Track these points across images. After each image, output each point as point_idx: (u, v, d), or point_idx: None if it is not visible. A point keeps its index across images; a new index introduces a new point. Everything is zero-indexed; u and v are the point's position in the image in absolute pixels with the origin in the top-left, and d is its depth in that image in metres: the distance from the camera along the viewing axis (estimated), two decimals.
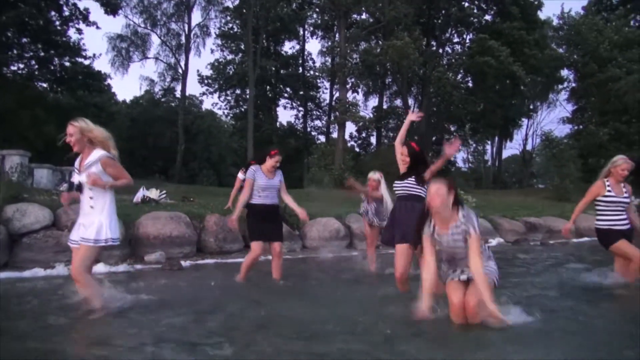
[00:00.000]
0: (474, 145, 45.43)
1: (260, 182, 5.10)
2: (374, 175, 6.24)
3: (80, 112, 26.70)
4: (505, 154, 46.12)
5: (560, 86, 31.04)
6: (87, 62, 22.20)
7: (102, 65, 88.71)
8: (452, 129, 33.42)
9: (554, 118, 59.56)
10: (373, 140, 33.47)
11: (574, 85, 29.32)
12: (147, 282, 5.33)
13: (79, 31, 21.48)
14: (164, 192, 11.07)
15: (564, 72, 29.64)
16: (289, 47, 34.28)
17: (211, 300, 4.47)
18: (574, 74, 27.24)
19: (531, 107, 36.23)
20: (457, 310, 3.38)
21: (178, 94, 36.36)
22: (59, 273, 5.64)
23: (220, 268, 6.70)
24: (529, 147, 42.35)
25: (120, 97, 41.36)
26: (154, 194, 10.53)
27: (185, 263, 6.65)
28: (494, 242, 10.54)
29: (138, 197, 9.89)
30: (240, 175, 7.51)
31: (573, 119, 28.70)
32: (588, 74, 24.12)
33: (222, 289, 5.03)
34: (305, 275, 6.31)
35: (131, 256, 6.87)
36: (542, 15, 28.57)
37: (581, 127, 27.57)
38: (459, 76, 28.31)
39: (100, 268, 6.05)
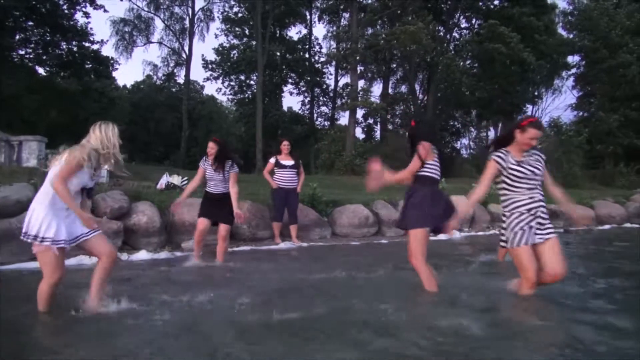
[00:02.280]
0: (475, 132, 45.44)
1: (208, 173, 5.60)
2: None
3: (84, 97, 26.53)
4: None
5: (567, 72, 30.84)
6: (95, 47, 21.86)
7: (106, 49, 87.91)
8: (457, 115, 33.34)
9: (559, 105, 59.74)
10: (377, 127, 33.32)
11: (580, 71, 29.16)
12: (203, 269, 5.30)
13: (86, 15, 21.16)
14: (186, 178, 11.01)
15: (571, 58, 29.48)
16: (295, 32, 33.94)
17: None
18: (583, 59, 27.03)
19: (536, 93, 36.11)
20: (532, 285, 3.60)
21: (180, 79, 36.11)
22: (94, 260, 5.56)
23: (259, 254, 6.65)
24: None
25: (120, 82, 41.04)
26: (176, 180, 10.46)
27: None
28: None
29: (162, 183, 9.82)
30: (272, 159, 7.82)
31: (580, 105, 28.60)
32: (598, 60, 23.94)
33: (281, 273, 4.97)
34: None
35: (168, 243, 6.81)
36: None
37: (587, 114, 27.49)
38: (467, 62, 28.05)
39: (142, 255, 6.02)
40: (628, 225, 12.26)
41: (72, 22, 20.87)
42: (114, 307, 3.39)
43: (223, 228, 5.56)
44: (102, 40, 22.54)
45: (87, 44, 21.59)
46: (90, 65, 21.96)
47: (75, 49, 21.34)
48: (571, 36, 26.97)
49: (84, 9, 21.00)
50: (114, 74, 27.11)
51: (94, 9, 21.03)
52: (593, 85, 26.36)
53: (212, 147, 5.52)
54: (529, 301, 3.66)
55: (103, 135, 3.36)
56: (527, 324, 3.28)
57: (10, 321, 3.17)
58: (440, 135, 31.90)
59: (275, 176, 7.70)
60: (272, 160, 7.83)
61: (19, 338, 2.90)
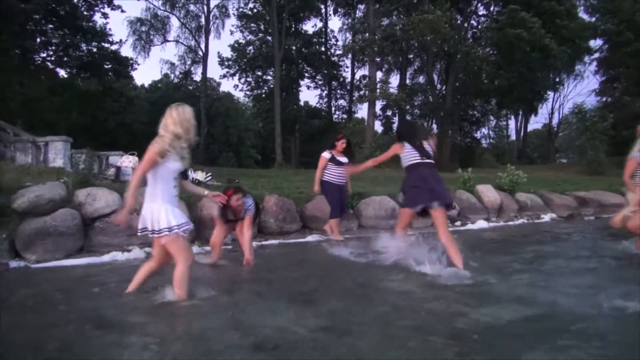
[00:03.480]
0: (494, 121, 44.78)
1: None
2: None
3: (103, 97, 26.88)
4: (528, 128, 45.29)
5: (590, 57, 30.11)
6: (114, 48, 22.08)
7: (124, 49, 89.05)
8: (476, 104, 32.88)
9: (581, 91, 58.36)
10: (395, 119, 33.04)
11: (603, 55, 28.44)
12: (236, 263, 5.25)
13: (105, 15, 21.36)
14: (210, 174, 11.10)
15: (593, 42, 28.76)
16: (310, 26, 33.84)
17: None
18: (606, 43, 26.35)
19: (557, 79, 35.40)
20: None
21: (197, 77, 36.28)
22: (137, 256, 5.61)
23: (288, 247, 6.63)
24: (554, 121, 41.60)
25: (138, 82, 41.46)
26: (200, 176, 10.56)
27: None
28: (546, 217, 10.33)
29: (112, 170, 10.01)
30: (325, 154, 7.26)
31: (603, 90, 27.92)
32: (623, 43, 23.29)
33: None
34: None
35: (198, 238, 6.83)
36: None
37: (610, 99, 26.83)
38: (486, 50, 27.57)
39: None
40: None
41: (91, 24, 21.09)
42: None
43: (248, 219, 5.08)
44: (120, 41, 22.83)
45: (106, 45, 21.81)
46: (109, 66, 22.17)
47: (94, 50, 21.59)
48: (593, 20, 26.26)
49: (102, 10, 21.23)
50: (132, 73, 27.34)
51: (112, 9, 21.24)
52: (617, 69, 25.68)
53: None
54: None
55: (182, 117, 3.43)
56: None
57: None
58: (458, 125, 31.51)
59: (328, 171, 7.21)
60: (327, 155, 7.24)
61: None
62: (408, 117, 30.88)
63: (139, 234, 3.50)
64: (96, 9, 21.04)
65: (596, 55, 29.10)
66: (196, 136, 3.54)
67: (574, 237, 7.58)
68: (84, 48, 21.60)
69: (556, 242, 7.04)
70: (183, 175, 3.59)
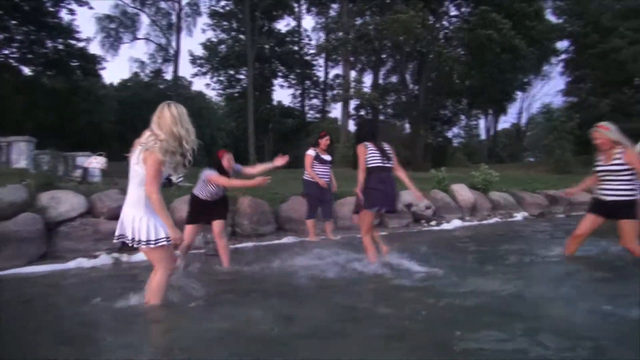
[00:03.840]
0: (466, 120, 45.51)
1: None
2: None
3: (71, 96, 26.07)
4: (498, 127, 46.24)
5: (557, 58, 30.88)
6: (81, 45, 21.40)
7: (92, 47, 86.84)
8: (448, 104, 33.25)
9: (548, 91, 60.04)
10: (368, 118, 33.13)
11: (570, 56, 29.16)
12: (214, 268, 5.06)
13: (71, 12, 20.66)
14: (181, 176, 10.81)
15: (560, 44, 29.47)
16: (283, 25, 33.63)
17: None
18: (573, 45, 27.03)
19: (525, 80, 36.19)
20: None
21: (168, 75, 35.66)
22: (104, 262, 5.38)
23: (263, 251, 6.48)
24: (522, 120, 42.68)
25: (107, 80, 40.48)
26: (174, 178, 10.28)
27: None
28: (519, 216, 10.46)
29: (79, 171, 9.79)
30: (310, 152, 7.14)
31: (570, 90, 28.64)
32: (589, 45, 23.92)
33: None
34: None
35: None
36: None
37: (576, 99, 27.52)
38: (458, 50, 27.90)
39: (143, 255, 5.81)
40: None
41: (56, 20, 20.38)
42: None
43: (217, 224, 4.93)
44: (88, 38, 22.18)
45: (73, 42, 21.12)
46: (77, 64, 21.48)
47: (61, 47, 20.87)
48: (561, 21, 26.91)
49: (68, 6, 20.54)
50: (101, 71, 26.60)
51: (79, 5, 20.56)
52: (583, 70, 26.37)
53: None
54: None
55: (183, 117, 3.16)
56: None
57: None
58: (431, 125, 31.87)
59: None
60: (312, 152, 7.11)
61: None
62: (381, 117, 31.02)
63: (115, 241, 3.27)
64: (62, 4, 20.34)
65: (563, 56, 29.84)
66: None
67: (540, 235, 7.69)
68: (50, 45, 20.87)
69: (517, 240, 7.12)
70: (169, 180, 3.42)
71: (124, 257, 5.64)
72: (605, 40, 23.10)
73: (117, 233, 3.16)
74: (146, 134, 3.12)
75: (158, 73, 36.39)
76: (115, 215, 6.23)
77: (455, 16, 30.34)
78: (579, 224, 4.91)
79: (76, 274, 4.86)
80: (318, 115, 32.39)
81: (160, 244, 3.09)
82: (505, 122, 68.56)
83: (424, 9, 22.14)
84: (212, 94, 43.05)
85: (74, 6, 20.19)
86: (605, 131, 4.57)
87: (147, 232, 3.05)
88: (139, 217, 3.05)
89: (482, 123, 47.92)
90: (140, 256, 5.76)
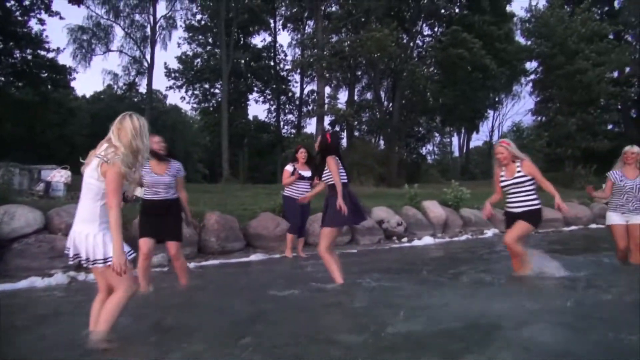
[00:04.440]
0: (439, 137, 46.23)
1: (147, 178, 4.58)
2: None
3: (41, 108, 25.38)
4: (471, 145, 47.13)
5: (526, 78, 31.71)
6: (50, 56, 20.88)
7: (64, 58, 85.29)
8: (421, 121, 33.72)
9: (518, 110, 61.70)
10: (343, 134, 33.28)
11: (538, 77, 29.99)
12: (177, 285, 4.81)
13: (41, 22, 20.17)
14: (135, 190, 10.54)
15: (529, 64, 30.30)
16: (259, 40, 33.70)
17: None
18: (541, 65, 27.81)
19: (497, 99, 37.01)
20: None
21: (142, 88, 35.18)
22: (59, 282, 5.12)
23: (229, 268, 6.31)
24: (494, 138, 43.60)
25: (80, 92, 39.68)
26: (139, 191, 9.97)
27: (189, 264, 6.21)
28: (489, 232, 10.54)
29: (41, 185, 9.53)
30: (288, 167, 7.17)
31: (539, 110, 29.38)
32: (556, 66, 24.63)
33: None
34: None
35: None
36: (510, 8, 29.06)
37: (545, 118, 28.24)
38: (431, 69, 28.44)
39: None
40: (594, 226, 12.49)
41: (25, 30, 19.88)
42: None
43: (172, 246, 4.55)
44: (58, 49, 21.62)
45: (42, 53, 20.61)
46: (46, 75, 20.94)
47: (29, 57, 20.34)
48: (529, 43, 27.70)
49: (38, 16, 20.06)
50: (73, 83, 26.00)
51: (49, 15, 20.09)
52: (551, 90, 27.12)
53: (160, 142, 4.65)
54: None
55: (144, 129, 2.96)
56: None
57: None
58: (405, 141, 32.25)
59: (290, 186, 7.08)
60: (290, 168, 7.11)
61: None
62: (356, 133, 31.22)
63: (70, 262, 3.01)
64: (32, 14, 19.86)
65: (532, 76, 30.64)
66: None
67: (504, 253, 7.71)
68: (18, 55, 20.33)
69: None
70: (124, 197, 3.14)
71: (81, 276, 5.39)
72: (571, 61, 23.82)
73: (71, 253, 2.91)
74: (103, 145, 2.93)
75: (132, 86, 35.81)
76: None
77: (428, 35, 31.02)
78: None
79: (26, 294, 4.59)
80: (293, 131, 32.34)
81: (109, 262, 2.81)
82: (478, 140, 69.89)
83: (397, 27, 22.50)
84: (187, 107, 42.64)
85: (44, 16, 19.81)
86: (507, 146, 4.90)
87: (104, 249, 2.83)
88: (94, 234, 2.83)
89: (455, 140, 48.82)
90: None
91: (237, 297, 4.45)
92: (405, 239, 9.28)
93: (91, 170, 2.90)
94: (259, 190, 15.59)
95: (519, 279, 4.92)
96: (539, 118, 29.22)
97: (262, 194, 13.39)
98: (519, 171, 4.84)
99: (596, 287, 4.59)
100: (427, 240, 9.18)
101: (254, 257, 7.12)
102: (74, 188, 10.47)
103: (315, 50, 22.61)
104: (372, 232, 8.99)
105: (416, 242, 9.03)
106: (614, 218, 5.51)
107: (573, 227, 12.13)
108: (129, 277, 2.93)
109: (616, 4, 30.16)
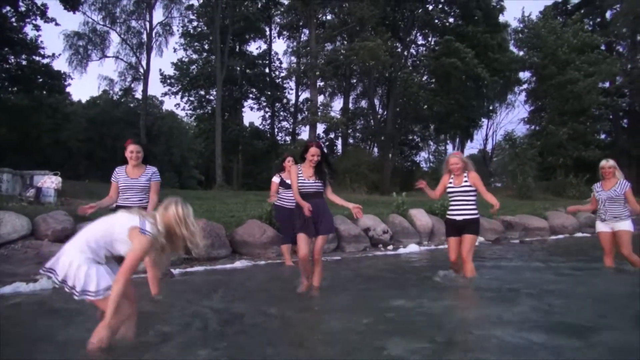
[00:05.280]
0: (434, 145, 46.52)
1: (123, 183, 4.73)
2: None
3: (34, 112, 25.48)
4: (465, 153, 47.26)
5: (519, 88, 32.07)
6: (45, 61, 21.03)
7: (59, 64, 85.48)
8: (416, 129, 33.96)
9: (512, 119, 62.03)
10: (338, 141, 33.53)
11: (532, 86, 30.35)
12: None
13: (37, 27, 20.34)
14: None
15: (523, 74, 30.67)
16: (255, 47, 33.92)
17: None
18: (534, 75, 28.19)
19: (491, 108, 37.33)
20: None
21: (138, 94, 35.31)
22: (43, 287, 5.21)
23: (214, 275, 6.42)
24: (488, 147, 43.89)
25: (75, 97, 39.79)
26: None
27: (174, 271, 6.33)
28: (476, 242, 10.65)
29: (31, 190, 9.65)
30: (275, 179, 7.14)
31: (532, 119, 29.72)
32: (548, 76, 24.99)
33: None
34: None
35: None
36: (503, 18, 29.48)
37: (538, 127, 28.57)
38: (425, 78, 28.75)
39: None
40: (579, 234, 12.66)
41: (21, 35, 20.04)
42: None
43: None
44: (53, 55, 21.76)
45: (37, 58, 20.76)
46: (41, 80, 21.07)
47: (24, 62, 20.47)
48: (521, 53, 28.10)
49: (34, 22, 20.22)
50: (69, 89, 26.11)
51: (45, 22, 20.26)
52: (543, 100, 27.47)
53: (137, 150, 4.78)
54: None
55: (182, 219, 2.99)
56: None
57: None
58: (399, 149, 32.52)
59: (279, 196, 7.05)
60: (277, 179, 7.08)
61: None
62: (350, 140, 31.47)
63: (43, 273, 2.95)
64: (27, 20, 20.03)
65: (525, 86, 31.03)
66: None
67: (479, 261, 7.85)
68: (13, 61, 20.47)
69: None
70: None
71: None
72: (562, 72, 24.19)
73: (48, 265, 2.89)
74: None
75: (128, 91, 35.95)
76: (59, 238, 6.13)
77: (422, 45, 31.37)
78: (449, 252, 5.42)
79: (10, 300, 4.69)
80: (288, 138, 32.55)
81: (100, 296, 2.83)
82: (472, 148, 70.23)
83: (390, 37, 22.80)
84: (183, 114, 42.81)
85: (39, 22, 19.97)
86: (461, 157, 5.34)
87: (84, 281, 2.80)
88: (77, 265, 2.81)
89: (450, 148, 49.03)
90: None
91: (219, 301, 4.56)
92: (391, 247, 9.41)
93: (125, 220, 2.93)
94: (250, 197, 15.70)
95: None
96: (532, 127, 29.56)
97: (253, 200, 13.50)
98: (466, 181, 5.24)
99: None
100: (413, 248, 9.31)
101: (238, 264, 7.22)
102: (64, 194, 10.61)
103: (309, 59, 22.83)
104: (358, 239, 9.12)
105: (401, 250, 9.15)
106: (599, 226, 6.05)
107: (559, 236, 12.29)
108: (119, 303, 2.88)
109: (608, 15, 30.65)
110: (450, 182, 5.35)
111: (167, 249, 3.02)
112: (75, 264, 2.81)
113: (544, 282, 5.64)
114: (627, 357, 2.94)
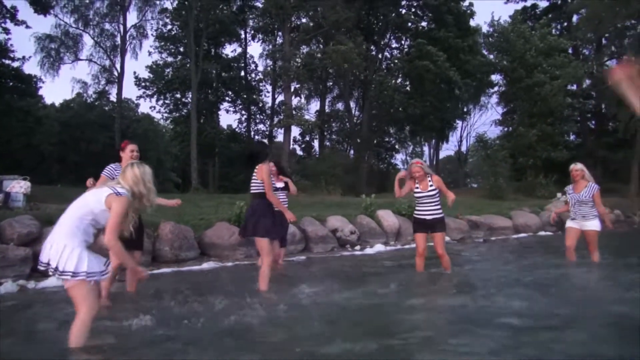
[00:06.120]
0: (412, 147, 47.18)
1: None
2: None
3: (5, 116, 25.07)
4: (441, 154, 48.07)
5: (491, 90, 32.75)
6: (15, 64, 20.74)
7: (31, 67, 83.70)
8: (392, 131, 34.44)
9: (485, 120, 63.25)
10: (315, 143, 33.80)
11: (503, 89, 31.08)
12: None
13: (6, 31, 20.10)
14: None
15: (494, 77, 31.38)
16: (230, 50, 33.91)
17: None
18: (504, 78, 28.88)
19: (465, 110, 38.07)
20: None
21: (113, 97, 34.98)
22: (8, 290, 5.31)
23: (179, 276, 6.57)
24: (463, 148, 44.78)
25: (48, 101, 39.11)
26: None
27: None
28: None
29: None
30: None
31: (503, 121, 30.41)
32: (517, 79, 25.66)
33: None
34: None
35: None
36: (473, 22, 30.13)
37: (510, 129, 29.27)
38: (399, 80, 29.21)
39: (52, 281, 5.75)
40: (542, 233, 13.12)
41: None
42: None
43: (137, 256, 4.65)
44: (23, 57, 21.54)
45: (7, 62, 20.48)
46: (11, 84, 20.78)
47: None
48: (491, 57, 28.76)
49: (3, 25, 19.98)
50: (42, 92, 25.75)
51: (15, 24, 20.04)
52: (514, 102, 28.16)
53: (137, 149, 4.90)
54: None
55: (139, 177, 3.21)
56: None
57: None
58: (375, 151, 32.97)
59: None
60: None
61: None
62: (327, 143, 31.78)
63: (40, 267, 3.04)
64: None
65: (497, 88, 31.74)
66: None
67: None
68: None
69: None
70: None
71: (31, 284, 5.59)
72: (530, 75, 24.88)
73: (44, 260, 2.97)
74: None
75: (102, 94, 35.55)
76: (26, 242, 6.20)
77: (396, 48, 31.87)
78: (417, 245, 5.98)
79: None
80: (264, 141, 32.63)
81: (91, 277, 2.95)
82: (448, 150, 71.33)
83: (363, 41, 23.15)
84: (159, 116, 42.52)
85: (9, 25, 19.74)
86: (422, 165, 5.82)
87: (77, 263, 2.91)
88: (71, 247, 2.93)
89: (426, 150, 49.76)
90: (48, 282, 5.71)
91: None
92: (358, 247, 9.67)
93: (97, 194, 3.11)
94: (224, 199, 15.78)
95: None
96: (504, 129, 30.24)
97: (226, 203, 13.58)
98: (431, 185, 5.80)
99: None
100: (379, 248, 9.59)
101: (206, 266, 7.38)
102: (33, 198, 10.58)
103: (281, 62, 23.05)
104: (325, 240, 9.36)
105: (368, 250, 9.41)
106: (569, 222, 6.60)
107: (522, 235, 12.72)
108: (93, 296, 3.02)
109: (574, 20, 31.57)
110: (417, 187, 5.83)
111: (136, 208, 3.23)
112: (69, 248, 2.93)
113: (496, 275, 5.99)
114: None
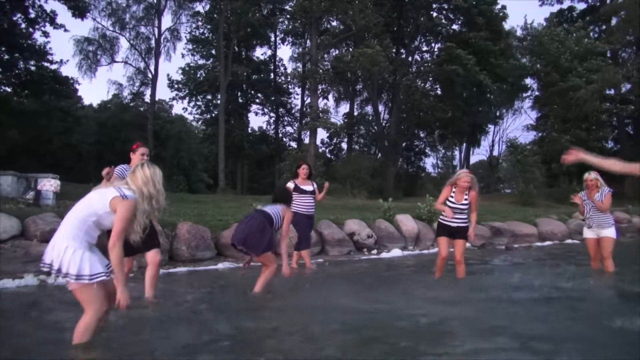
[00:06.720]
0: (443, 151, 46.56)
1: None
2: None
3: (44, 117, 26.13)
4: (473, 159, 47.21)
5: (524, 94, 32.04)
6: (54, 67, 21.60)
7: (69, 69, 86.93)
8: (422, 135, 34.14)
9: (519, 125, 61.76)
10: (344, 145, 33.83)
11: (537, 93, 30.37)
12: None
13: (45, 34, 20.93)
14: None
15: (528, 81, 30.69)
16: (260, 53, 34.39)
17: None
18: (537, 83, 28.22)
19: (497, 114, 37.37)
20: None
21: (147, 98, 35.97)
22: (28, 283, 5.56)
23: (195, 275, 6.73)
24: (495, 153, 43.86)
25: (87, 101, 40.52)
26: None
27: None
28: None
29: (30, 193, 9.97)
30: (289, 184, 7.22)
31: (537, 126, 29.71)
32: (550, 83, 25.03)
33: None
34: None
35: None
36: (507, 25, 29.57)
37: (544, 134, 28.56)
38: (428, 84, 28.94)
39: None
40: (569, 241, 12.73)
41: (30, 42, 20.66)
42: None
43: (154, 255, 4.63)
44: (61, 60, 22.33)
45: (45, 64, 21.35)
46: (48, 86, 21.65)
47: (33, 68, 21.09)
48: (524, 60, 28.16)
49: (43, 29, 20.84)
50: (80, 92, 26.73)
51: (54, 28, 20.86)
52: (548, 107, 27.47)
53: (148, 153, 4.88)
54: None
55: (149, 178, 3.12)
56: None
57: None
58: (403, 155, 32.76)
59: (294, 202, 6.86)
60: (291, 185, 7.19)
61: None
62: (355, 146, 31.81)
63: (43, 268, 2.99)
64: (37, 26, 20.66)
65: (530, 93, 31.06)
66: None
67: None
68: (22, 66, 21.10)
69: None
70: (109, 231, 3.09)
71: (50, 280, 5.82)
72: (564, 79, 24.22)
73: (47, 261, 2.93)
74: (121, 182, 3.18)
75: (137, 96, 36.65)
76: (47, 238, 6.45)
77: (426, 51, 31.58)
78: (440, 248, 5.96)
79: None
80: (292, 143, 32.97)
81: (95, 279, 2.90)
82: (479, 154, 69.91)
83: (390, 44, 23.07)
84: (190, 118, 43.49)
85: (48, 29, 20.60)
86: (472, 180, 5.77)
87: (80, 265, 2.86)
88: (74, 249, 2.88)
89: (457, 155, 49.01)
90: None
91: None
92: (374, 251, 9.63)
93: (102, 195, 3.03)
94: (249, 201, 16.00)
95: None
96: (538, 134, 29.54)
97: (250, 205, 13.76)
98: (465, 199, 5.79)
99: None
100: (396, 252, 9.52)
101: (221, 266, 7.52)
102: (62, 196, 11.02)
103: (310, 65, 23.23)
104: (342, 243, 9.36)
105: (384, 255, 9.36)
106: (586, 232, 6.63)
107: (547, 242, 12.39)
108: (97, 298, 2.96)
109: (613, 22, 30.55)
110: (452, 197, 5.81)
111: (147, 210, 3.10)
112: (71, 249, 2.88)
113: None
114: None
